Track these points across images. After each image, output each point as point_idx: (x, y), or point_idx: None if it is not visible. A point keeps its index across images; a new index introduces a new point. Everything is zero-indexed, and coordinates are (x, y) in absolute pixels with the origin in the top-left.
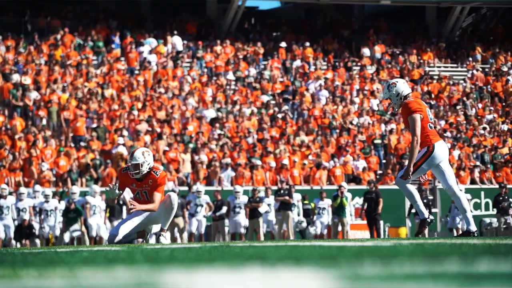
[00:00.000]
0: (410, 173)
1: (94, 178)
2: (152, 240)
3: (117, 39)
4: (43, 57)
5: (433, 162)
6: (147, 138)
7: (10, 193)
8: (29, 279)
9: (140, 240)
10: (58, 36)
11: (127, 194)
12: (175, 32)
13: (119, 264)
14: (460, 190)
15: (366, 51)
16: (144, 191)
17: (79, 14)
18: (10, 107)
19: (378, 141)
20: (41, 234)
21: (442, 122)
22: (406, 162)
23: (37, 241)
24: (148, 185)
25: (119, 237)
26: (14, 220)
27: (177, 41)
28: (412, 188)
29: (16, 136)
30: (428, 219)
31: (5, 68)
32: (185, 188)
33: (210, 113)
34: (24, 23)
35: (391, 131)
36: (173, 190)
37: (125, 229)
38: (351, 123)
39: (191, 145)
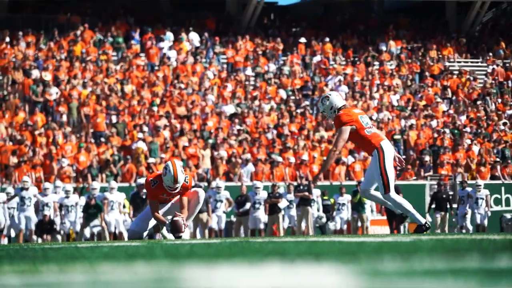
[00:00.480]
0: (318, 178)
1: (114, 174)
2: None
3: (137, 35)
4: (63, 53)
5: (390, 158)
6: (167, 134)
7: (34, 189)
8: (50, 274)
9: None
10: (78, 32)
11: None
12: (191, 29)
13: (139, 259)
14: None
15: (385, 46)
16: (172, 196)
17: (98, 10)
18: (31, 103)
19: (397, 137)
20: (62, 229)
21: (463, 118)
22: (426, 158)
23: (58, 236)
24: (178, 192)
25: (139, 232)
26: (38, 211)
27: (194, 37)
28: (401, 199)
29: (36, 132)
30: (424, 226)
31: (25, 64)
32: (205, 183)
33: (230, 109)
34: (44, 19)
35: (411, 127)
36: (199, 186)
37: (145, 224)
38: (370, 118)
39: (210, 141)
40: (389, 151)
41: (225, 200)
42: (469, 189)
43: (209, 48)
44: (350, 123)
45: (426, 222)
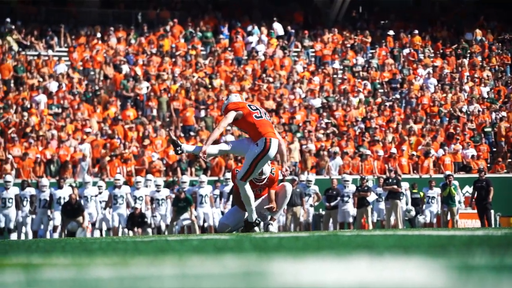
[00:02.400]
0: (204, 152)
1: (203, 168)
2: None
3: (225, 30)
4: (153, 48)
5: (268, 158)
6: None
7: (125, 183)
8: (140, 267)
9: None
10: (167, 27)
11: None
12: (275, 19)
13: (227, 252)
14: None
15: (475, 38)
16: (259, 189)
17: (187, 5)
18: (122, 98)
19: (488, 129)
20: (153, 222)
21: None
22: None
23: (149, 229)
24: (264, 184)
25: (228, 225)
26: (128, 209)
27: (278, 28)
28: (250, 192)
29: (127, 127)
30: (254, 223)
31: (116, 59)
32: (294, 177)
33: (318, 102)
34: (135, 14)
35: (501, 119)
36: (293, 179)
37: (235, 217)
38: (460, 111)
39: (298, 134)
40: (273, 152)
41: (313, 194)
42: None
43: (292, 42)
44: (236, 109)
45: (256, 219)
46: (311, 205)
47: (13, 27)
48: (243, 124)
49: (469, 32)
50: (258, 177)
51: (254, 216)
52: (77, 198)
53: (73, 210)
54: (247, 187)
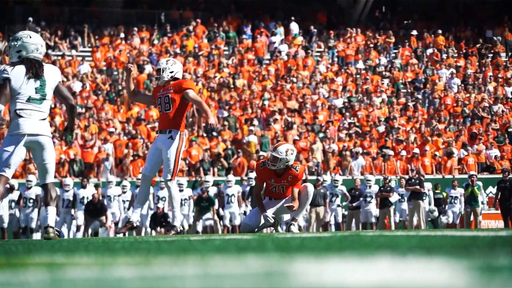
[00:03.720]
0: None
1: (225, 167)
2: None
3: (248, 30)
4: (176, 48)
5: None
6: (278, 127)
7: None
8: (162, 267)
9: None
10: (190, 27)
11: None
12: (292, 18)
13: (250, 252)
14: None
15: (500, 37)
16: (282, 186)
17: (210, 5)
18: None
19: None
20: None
21: None
22: None
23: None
24: (287, 181)
25: (251, 225)
26: (150, 209)
27: (294, 28)
28: (178, 194)
29: (149, 126)
30: (179, 228)
31: (139, 60)
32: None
33: (340, 102)
34: (158, 15)
35: None
36: (317, 179)
37: (258, 218)
38: (483, 111)
39: (321, 134)
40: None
41: (340, 195)
42: None
43: (314, 42)
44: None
45: (181, 225)
46: (338, 205)
47: (39, 29)
48: (183, 107)
49: (492, 31)
50: (273, 154)
51: (178, 222)
52: (100, 198)
53: (95, 209)
54: (177, 188)
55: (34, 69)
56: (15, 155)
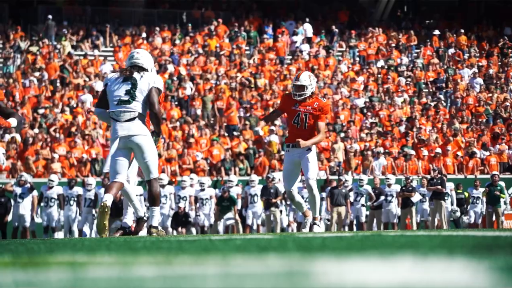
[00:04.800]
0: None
1: (244, 167)
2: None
3: (269, 30)
4: (198, 48)
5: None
6: None
7: (170, 183)
8: (183, 266)
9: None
10: (212, 27)
11: None
12: (307, 20)
13: (271, 252)
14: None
15: None
16: (305, 113)
17: (232, 4)
18: (166, 98)
19: None
20: (197, 222)
21: None
22: None
23: (193, 229)
24: (312, 108)
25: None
26: (172, 209)
27: (307, 28)
28: (130, 188)
29: (171, 126)
30: (144, 217)
31: (161, 59)
32: (336, 177)
33: (362, 102)
34: (180, 14)
35: None
36: (339, 179)
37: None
38: (506, 111)
39: (342, 134)
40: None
41: (365, 194)
42: None
43: (336, 42)
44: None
45: (144, 215)
46: (363, 205)
47: (65, 31)
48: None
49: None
50: (294, 82)
51: (142, 211)
52: (121, 197)
53: (116, 209)
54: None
55: (126, 72)
56: (118, 159)
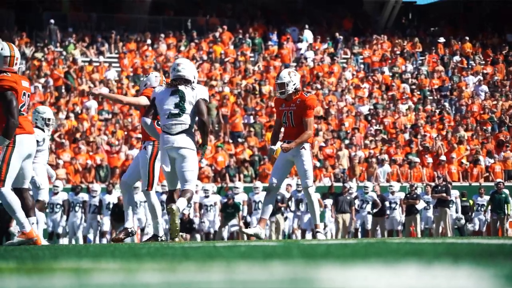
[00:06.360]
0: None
1: (248, 174)
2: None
3: (274, 37)
4: (202, 54)
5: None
6: None
7: None
8: (188, 273)
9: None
10: (217, 34)
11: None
12: (306, 26)
13: (275, 259)
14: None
15: None
16: (290, 112)
17: (237, 11)
18: None
19: None
20: (201, 228)
21: None
22: None
23: (197, 235)
24: (296, 105)
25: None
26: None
27: (308, 35)
28: (157, 203)
29: None
30: (160, 238)
31: (166, 66)
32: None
33: (367, 109)
34: (184, 21)
35: None
36: (343, 186)
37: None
38: (511, 118)
39: (347, 141)
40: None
41: (371, 201)
42: None
43: (340, 49)
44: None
45: (163, 235)
46: (369, 212)
47: (73, 40)
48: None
49: None
50: (276, 81)
51: (161, 231)
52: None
53: (121, 213)
54: (154, 197)
55: (173, 85)
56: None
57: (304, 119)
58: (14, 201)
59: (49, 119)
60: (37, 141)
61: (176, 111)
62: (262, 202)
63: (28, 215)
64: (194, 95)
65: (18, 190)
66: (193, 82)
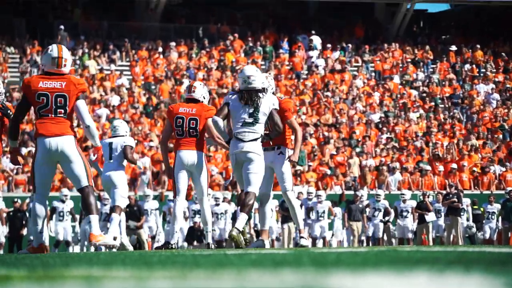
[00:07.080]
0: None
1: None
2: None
3: (285, 44)
4: (213, 62)
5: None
6: (314, 142)
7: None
8: (198, 280)
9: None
10: (228, 42)
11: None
12: (313, 32)
13: (286, 267)
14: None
15: None
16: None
17: (248, 20)
18: None
19: None
20: (212, 236)
21: None
22: None
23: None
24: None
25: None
26: (188, 218)
27: (316, 40)
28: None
29: None
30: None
31: (177, 73)
32: (352, 192)
33: (378, 117)
34: (196, 29)
35: None
36: (355, 194)
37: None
38: None
39: (358, 149)
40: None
41: (383, 209)
42: None
43: (350, 57)
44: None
45: (175, 243)
46: (381, 220)
47: (87, 50)
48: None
49: None
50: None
51: (175, 239)
52: (137, 201)
53: (131, 212)
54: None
55: (246, 97)
56: (236, 172)
57: (287, 121)
58: (38, 212)
59: None
60: None
61: (251, 120)
62: (306, 222)
63: (89, 212)
64: (268, 107)
65: (80, 190)
66: (265, 89)
